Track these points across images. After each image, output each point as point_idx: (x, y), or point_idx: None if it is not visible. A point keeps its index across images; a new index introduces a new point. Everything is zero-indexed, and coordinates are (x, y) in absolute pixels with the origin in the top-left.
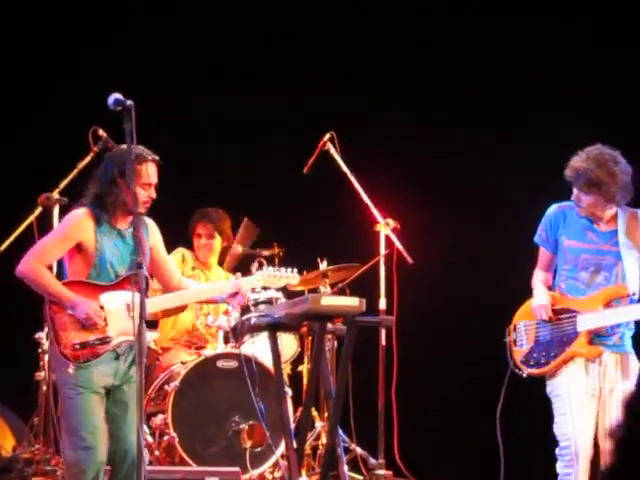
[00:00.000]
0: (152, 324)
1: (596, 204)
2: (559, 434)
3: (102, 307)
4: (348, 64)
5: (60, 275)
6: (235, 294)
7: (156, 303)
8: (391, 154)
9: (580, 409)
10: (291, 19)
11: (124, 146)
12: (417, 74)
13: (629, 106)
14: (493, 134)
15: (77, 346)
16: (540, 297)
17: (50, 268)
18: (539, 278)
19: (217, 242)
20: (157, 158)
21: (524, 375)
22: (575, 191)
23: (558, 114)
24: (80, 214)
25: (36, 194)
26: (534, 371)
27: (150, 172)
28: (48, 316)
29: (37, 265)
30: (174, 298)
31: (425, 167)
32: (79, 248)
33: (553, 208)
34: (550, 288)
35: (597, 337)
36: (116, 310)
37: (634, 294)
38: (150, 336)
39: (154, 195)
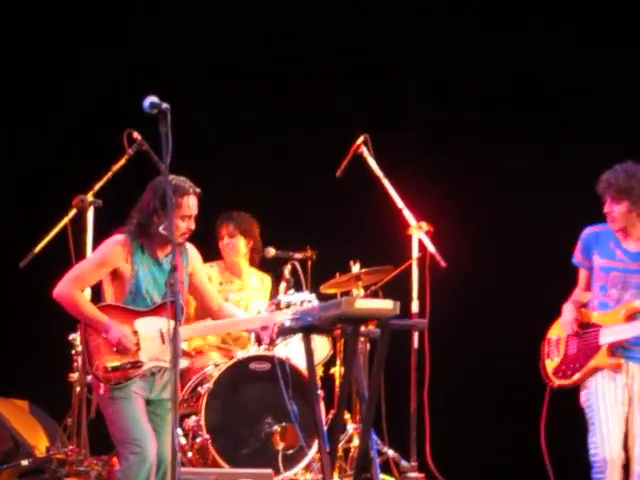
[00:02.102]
0: None
1: (628, 213)
2: (590, 442)
3: (136, 332)
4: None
5: (98, 297)
6: (266, 327)
7: (187, 330)
8: (422, 155)
9: (608, 418)
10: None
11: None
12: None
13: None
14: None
15: (109, 369)
16: (565, 313)
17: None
18: (574, 296)
19: (241, 242)
20: (198, 191)
21: (554, 386)
22: (607, 203)
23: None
24: (117, 241)
25: (70, 196)
26: (562, 382)
27: (191, 204)
28: (83, 338)
29: (73, 290)
30: (207, 328)
31: (458, 170)
32: (115, 274)
33: (587, 231)
34: (585, 305)
35: (621, 350)
36: (150, 336)
37: None
38: (183, 363)
39: (193, 227)
